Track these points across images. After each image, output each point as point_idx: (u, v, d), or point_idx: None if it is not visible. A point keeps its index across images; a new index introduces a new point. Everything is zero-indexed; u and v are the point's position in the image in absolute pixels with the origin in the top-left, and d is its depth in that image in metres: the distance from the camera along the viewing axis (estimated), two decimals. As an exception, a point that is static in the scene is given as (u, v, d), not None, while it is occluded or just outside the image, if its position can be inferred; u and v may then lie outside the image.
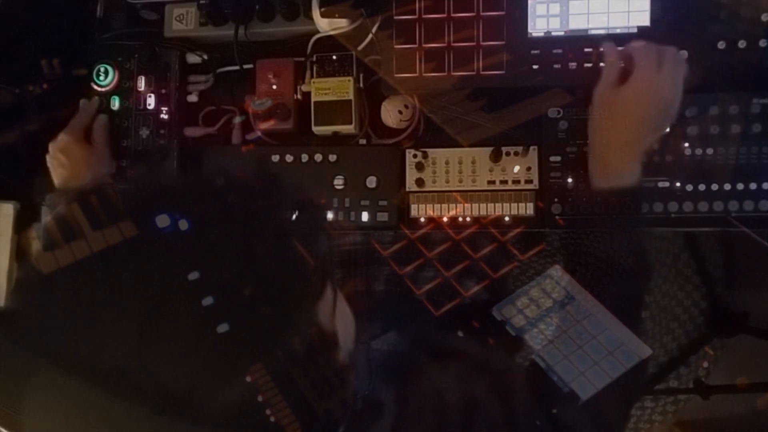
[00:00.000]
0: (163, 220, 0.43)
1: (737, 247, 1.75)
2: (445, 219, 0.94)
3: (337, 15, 0.92)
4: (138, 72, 1.02)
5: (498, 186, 0.94)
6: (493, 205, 0.93)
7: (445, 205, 0.94)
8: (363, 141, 0.99)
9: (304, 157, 0.97)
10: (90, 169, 0.94)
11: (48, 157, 0.96)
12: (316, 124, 0.96)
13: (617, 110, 0.77)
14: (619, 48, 0.80)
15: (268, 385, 0.44)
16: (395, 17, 0.91)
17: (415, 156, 0.95)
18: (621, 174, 0.78)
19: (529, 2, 0.88)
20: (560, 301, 0.82)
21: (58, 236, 0.42)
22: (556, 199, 0.91)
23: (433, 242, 0.94)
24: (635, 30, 0.86)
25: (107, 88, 1.02)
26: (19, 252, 1.07)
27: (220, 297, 0.42)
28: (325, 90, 0.95)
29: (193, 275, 0.41)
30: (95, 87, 1.02)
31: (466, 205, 0.93)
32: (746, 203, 0.87)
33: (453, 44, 0.90)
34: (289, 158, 0.97)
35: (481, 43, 0.89)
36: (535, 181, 0.93)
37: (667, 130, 0.83)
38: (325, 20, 0.93)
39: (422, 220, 0.95)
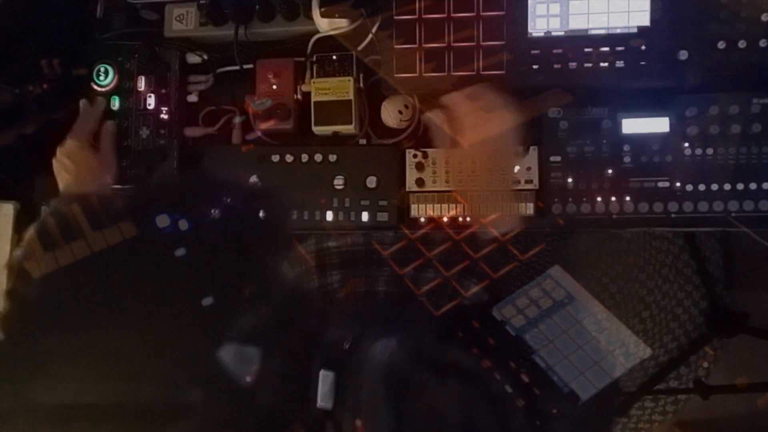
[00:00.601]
0: (163, 220, 0.43)
1: (737, 247, 1.75)
2: (445, 219, 0.94)
3: (337, 15, 0.92)
4: (138, 72, 1.02)
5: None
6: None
7: (445, 205, 0.94)
8: (363, 141, 0.99)
9: (304, 157, 0.97)
10: (94, 175, 0.94)
11: (54, 161, 0.96)
12: (316, 124, 0.96)
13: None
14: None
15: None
16: (395, 17, 0.91)
17: (415, 156, 0.95)
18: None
19: (529, 2, 0.88)
20: (560, 301, 0.82)
21: (53, 238, 0.43)
22: (556, 199, 0.91)
23: (433, 242, 0.94)
24: (635, 30, 0.86)
25: (107, 88, 1.02)
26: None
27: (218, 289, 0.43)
28: (325, 90, 0.95)
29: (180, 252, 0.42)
30: (95, 87, 1.02)
31: (466, 205, 0.93)
32: (746, 203, 0.87)
33: (453, 44, 0.90)
34: (289, 158, 0.97)
35: (481, 43, 0.89)
36: (535, 181, 0.93)
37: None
38: (325, 20, 0.93)
39: (422, 220, 0.95)
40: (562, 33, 0.88)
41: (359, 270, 1.01)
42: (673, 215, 0.89)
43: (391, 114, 0.97)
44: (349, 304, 1.00)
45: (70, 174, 0.93)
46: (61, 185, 0.95)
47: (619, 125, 0.91)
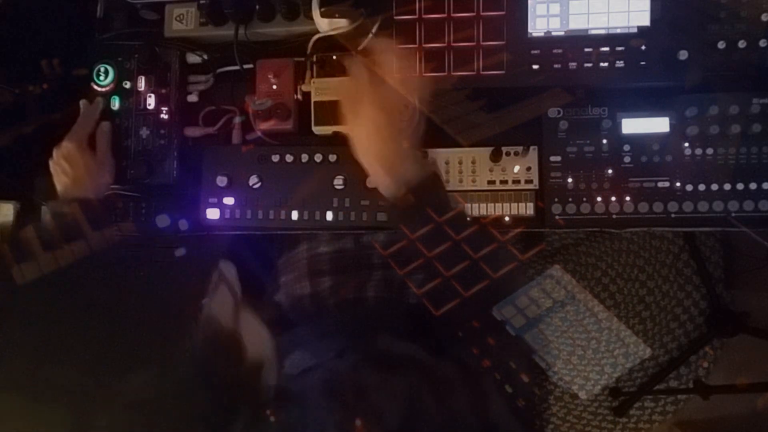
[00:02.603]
0: (162, 220, 0.43)
1: (737, 247, 1.75)
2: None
3: (337, 15, 0.92)
4: (138, 72, 1.02)
5: (498, 186, 0.94)
6: (493, 205, 0.93)
7: (445, 205, 0.94)
8: (363, 141, 0.99)
9: (304, 157, 0.97)
10: (91, 177, 0.93)
11: (51, 163, 0.95)
12: (316, 124, 0.96)
13: (355, 124, 0.78)
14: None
15: None
16: (395, 17, 0.91)
17: (415, 156, 0.95)
18: (397, 171, 0.75)
19: (529, 2, 0.88)
20: (560, 301, 0.82)
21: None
22: (556, 199, 0.91)
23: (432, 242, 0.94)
24: (635, 30, 0.86)
25: (107, 88, 1.02)
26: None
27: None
28: (325, 90, 0.95)
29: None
30: (95, 87, 1.02)
31: (466, 205, 0.93)
32: (746, 203, 0.87)
33: (453, 44, 0.90)
34: (289, 158, 0.97)
35: (481, 43, 0.89)
36: (535, 181, 0.93)
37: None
38: (325, 20, 0.93)
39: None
40: (562, 33, 0.88)
41: (350, 275, 1.01)
42: (673, 215, 0.89)
43: (391, 114, 0.97)
44: (337, 313, 1.00)
45: (67, 176, 0.93)
46: (58, 188, 0.95)
47: (619, 125, 0.91)
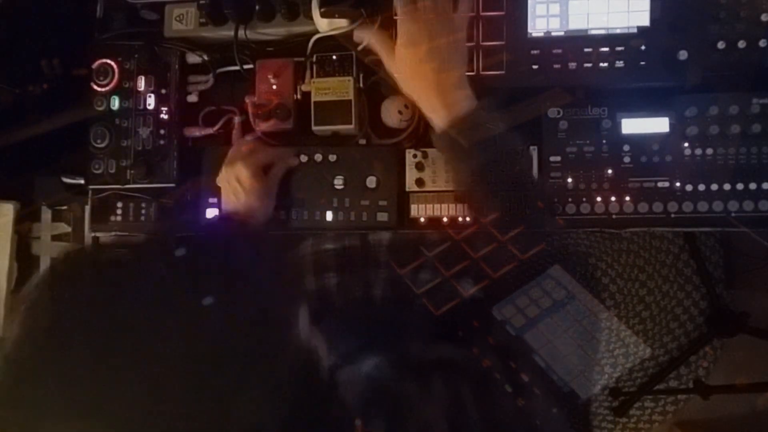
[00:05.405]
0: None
1: (737, 247, 1.75)
2: (445, 219, 0.94)
3: (337, 15, 0.92)
4: (138, 72, 1.02)
5: (498, 186, 0.94)
6: (493, 205, 0.93)
7: (445, 205, 0.94)
8: (363, 141, 0.99)
9: (304, 158, 0.97)
10: (262, 205, 0.92)
11: (222, 180, 0.94)
12: (316, 124, 0.96)
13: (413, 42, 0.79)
14: None
15: None
16: (395, 17, 0.91)
17: (415, 156, 0.95)
18: (453, 99, 0.78)
19: (529, 2, 0.88)
20: (560, 301, 0.82)
21: None
22: (555, 199, 0.91)
23: (433, 242, 0.94)
24: (635, 30, 0.86)
25: (107, 88, 1.02)
26: (20, 252, 1.07)
27: None
28: (325, 90, 0.95)
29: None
30: (95, 87, 1.02)
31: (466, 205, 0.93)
32: (746, 203, 0.87)
33: (453, 44, 0.89)
34: (289, 158, 0.97)
35: (481, 43, 0.89)
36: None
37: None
38: (325, 20, 0.93)
39: (422, 220, 0.95)
40: (561, 33, 0.88)
41: (356, 273, 1.01)
42: (673, 215, 0.89)
43: (391, 114, 0.97)
44: (345, 312, 1.00)
45: (239, 199, 0.91)
46: (226, 205, 0.93)
47: (618, 125, 0.91)
